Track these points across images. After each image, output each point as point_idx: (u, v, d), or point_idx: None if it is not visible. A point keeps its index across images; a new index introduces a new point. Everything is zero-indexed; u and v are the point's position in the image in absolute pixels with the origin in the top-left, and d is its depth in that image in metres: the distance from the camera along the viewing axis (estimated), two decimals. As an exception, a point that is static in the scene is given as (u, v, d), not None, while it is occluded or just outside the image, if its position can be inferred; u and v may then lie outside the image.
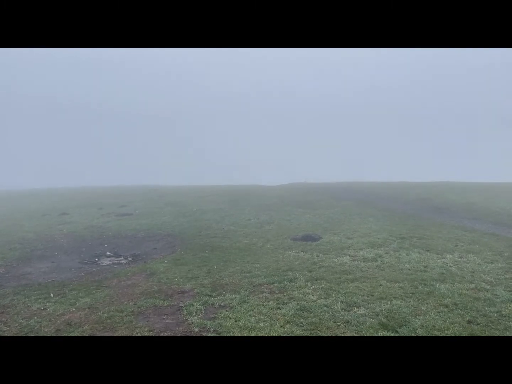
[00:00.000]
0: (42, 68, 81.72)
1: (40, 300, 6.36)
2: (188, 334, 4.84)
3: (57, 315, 5.66)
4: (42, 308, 5.98)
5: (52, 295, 6.59)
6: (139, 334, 4.87)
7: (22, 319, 5.57)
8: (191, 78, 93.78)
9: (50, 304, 6.16)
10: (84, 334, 4.96)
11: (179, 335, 4.83)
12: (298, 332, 4.78)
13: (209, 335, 4.79)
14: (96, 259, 9.39)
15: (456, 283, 6.48)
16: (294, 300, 5.88)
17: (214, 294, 6.35)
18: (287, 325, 4.98)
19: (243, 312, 5.47)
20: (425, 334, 4.61)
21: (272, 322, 5.10)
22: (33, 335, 4.92)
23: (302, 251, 9.28)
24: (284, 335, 4.70)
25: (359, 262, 8.13)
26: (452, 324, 4.88)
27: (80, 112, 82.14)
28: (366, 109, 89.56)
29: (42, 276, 7.99)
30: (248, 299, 6.04)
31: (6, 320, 5.55)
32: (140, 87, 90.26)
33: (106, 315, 5.58)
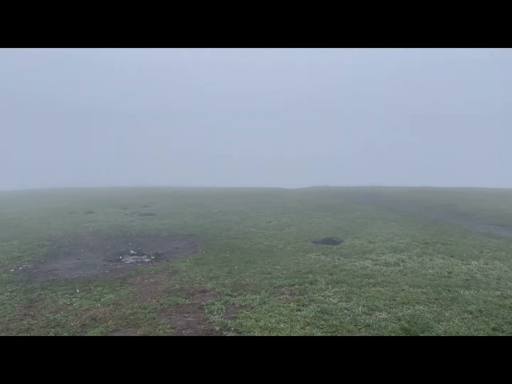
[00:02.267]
0: (43, 69, 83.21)
1: (66, 295, 6.55)
2: (209, 333, 4.91)
3: (83, 310, 5.83)
4: (68, 303, 6.16)
5: (78, 291, 6.77)
6: (161, 331, 4.96)
7: (49, 313, 5.74)
8: (188, 77, 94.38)
9: (76, 299, 6.34)
10: (109, 329, 5.08)
11: (200, 333, 4.90)
12: (318, 334, 4.78)
13: (230, 334, 4.84)
14: (120, 257, 9.59)
15: (481, 290, 6.34)
16: (314, 303, 5.88)
17: (235, 294, 6.41)
18: (308, 327, 4.99)
19: (264, 313, 5.50)
20: (448, 340, 4.54)
21: (293, 323, 5.11)
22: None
23: (323, 254, 9.25)
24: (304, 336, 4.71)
25: (381, 266, 8.04)
26: (477, 331, 4.79)
27: (96, 113, 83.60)
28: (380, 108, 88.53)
29: (69, 272, 8.22)
30: (268, 300, 6.07)
31: (34, 314, 5.73)
32: (145, 87, 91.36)
33: (129, 311, 5.71)
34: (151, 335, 4.86)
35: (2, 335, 4.98)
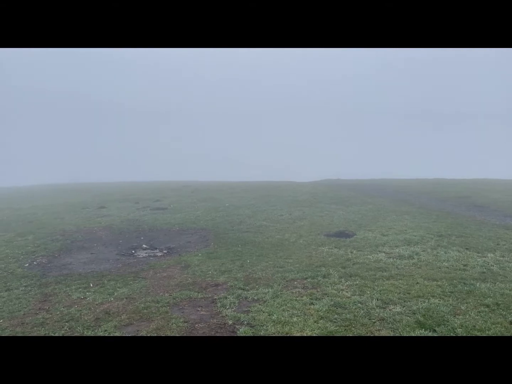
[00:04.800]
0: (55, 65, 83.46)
1: (80, 289, 6.61)
2: (222, 326, 4.90)
3: (96, 304, 5.87)
4: (82, 297, 6.21)
5: (91, 285, 6.83)
6: (174, 325, 4.97)
7: (63, 307, 5.80)
8: (194, 74, 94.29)
9: (90, 293, 6.38)
10: (122, 323, 5.11)
11: (213, 327, 4.90)
12: (332, 328, 4.74)
13: (242, 328, 4.82)
14: (133, 251, 9.64)
15: (498, 283, 6.22)
16: (327, 296, 5.83)
17: (247, 287, 6.39)
18: (321, 321, 4.94)
19: (276, 307, 5.47)
20: (464, 334, 4.46)
21: (306, 317, 5.07)
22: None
23: (335, 247, 9.17)
24: (318, 330, 4.67)
25: (394, 259, 7.95)
26: (494, 324, 4.69)
27: (107, 109, 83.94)
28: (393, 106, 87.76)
29: (82, 266, 8.29)
30: (281, 293, 6.04)
31: (48, 308, 5.79)
32: (150, 83, 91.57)
33: (142, 305, 5.73)
34: (159, 335, 4.86)
35: (16, 330, 5.04)
